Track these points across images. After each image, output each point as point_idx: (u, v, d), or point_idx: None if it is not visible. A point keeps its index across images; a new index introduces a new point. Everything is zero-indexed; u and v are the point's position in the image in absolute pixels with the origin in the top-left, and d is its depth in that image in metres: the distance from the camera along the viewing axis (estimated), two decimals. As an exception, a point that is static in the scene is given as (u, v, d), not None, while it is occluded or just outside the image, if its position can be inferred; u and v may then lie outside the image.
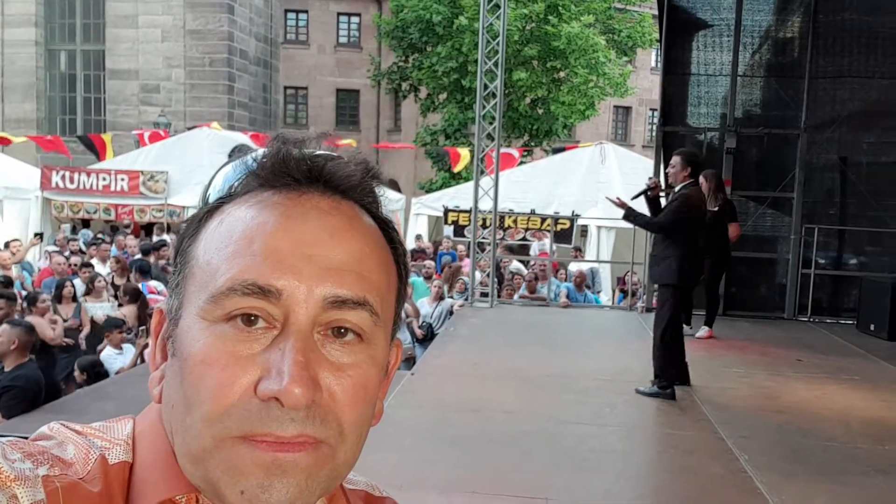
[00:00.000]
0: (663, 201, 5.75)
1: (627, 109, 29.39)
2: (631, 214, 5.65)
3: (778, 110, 9.21)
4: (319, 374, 0.53)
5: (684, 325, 7.62)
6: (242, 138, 15.57)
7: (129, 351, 6.75)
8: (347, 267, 0.55)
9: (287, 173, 0.58)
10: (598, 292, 11.28)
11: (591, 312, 9.45)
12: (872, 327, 8.02)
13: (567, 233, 12.60)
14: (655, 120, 14.49)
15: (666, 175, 7.22)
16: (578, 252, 12.24)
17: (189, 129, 19.07)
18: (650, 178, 6.09)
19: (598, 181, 14.06)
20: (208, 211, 0.59)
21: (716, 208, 7.17)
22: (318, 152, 0.59)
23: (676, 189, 5.55)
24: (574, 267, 11.60)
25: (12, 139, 16.92)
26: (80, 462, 0.55)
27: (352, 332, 0.56)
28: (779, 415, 5.03)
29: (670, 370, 5.37)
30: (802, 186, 8.95)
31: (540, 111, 21.45)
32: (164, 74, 25.30)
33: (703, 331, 7.47)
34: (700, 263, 5.76)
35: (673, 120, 9.50)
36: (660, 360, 5.40)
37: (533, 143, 21.64)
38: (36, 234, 12.63)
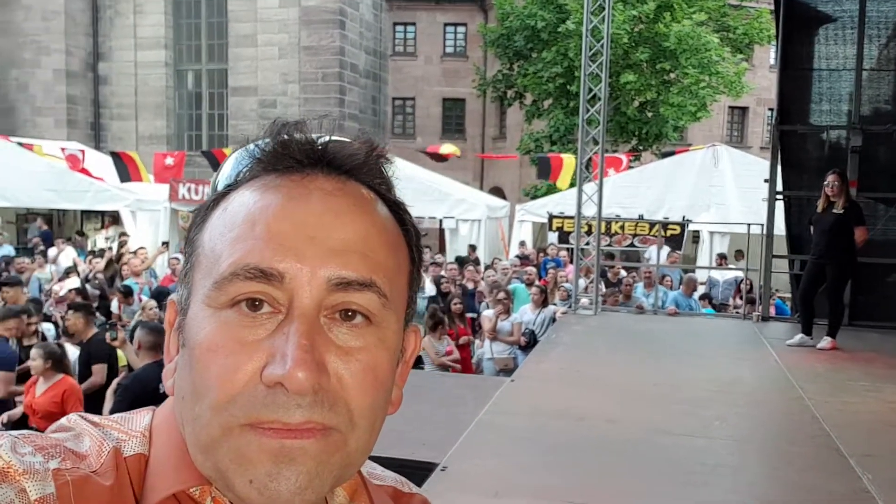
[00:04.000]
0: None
1: (744, 110, 28.14)
2: None
3: (909, 106, 8.55)
4: (326, 357, 0.52)
5: (805, 336, 7.22)
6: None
7: None
8: (352, 248, 0.54)
9: (289, 155, 0.57)
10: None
11: (700, 321, 9.06)
12: None
13: (677, 238, 12.18)
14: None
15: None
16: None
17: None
18: None
19: (710, 185, 13.55)
20: (215, 199, 0.59)
21: (841, 211, 6.77)
22: (321, 135, 0.58)
23: None
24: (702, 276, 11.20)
25: (141, 169, 17.08)
26: (93, 455, 0.54)
27: (360, 315, 0.54)
28: (909, 433, 4.64)
29: None
30: (937, 186, 8.26)
31: (649, 114, 20.89)
32: (280, 90, 26.49)
33: (826, 342, 7.00)
34: None
35: (791, 118, 9.00)
36: None
37: (642, 147, 21.10)
38: (163, 243, 13.53)
